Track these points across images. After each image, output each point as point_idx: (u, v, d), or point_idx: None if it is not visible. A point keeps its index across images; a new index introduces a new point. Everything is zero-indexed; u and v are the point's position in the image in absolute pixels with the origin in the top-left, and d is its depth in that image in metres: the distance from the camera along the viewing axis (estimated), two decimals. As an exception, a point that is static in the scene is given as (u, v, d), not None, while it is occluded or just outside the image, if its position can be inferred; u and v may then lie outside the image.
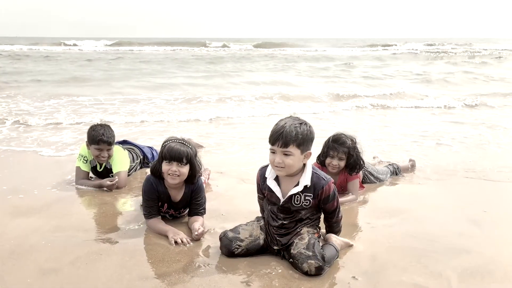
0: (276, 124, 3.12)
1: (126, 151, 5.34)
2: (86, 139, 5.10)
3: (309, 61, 30.40)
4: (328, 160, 4.65)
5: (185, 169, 3.73)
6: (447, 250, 3.48)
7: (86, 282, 2.96)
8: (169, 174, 3.70)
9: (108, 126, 5.11)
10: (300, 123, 3.09)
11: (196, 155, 3.83)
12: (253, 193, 3.62)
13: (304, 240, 3.21)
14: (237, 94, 13.17)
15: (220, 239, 3.38)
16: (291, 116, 3.23)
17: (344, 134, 4.71)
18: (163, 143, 3.81)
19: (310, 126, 3.14)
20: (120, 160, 5.12)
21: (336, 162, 4.61)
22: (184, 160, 3.70)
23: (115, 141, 5.20)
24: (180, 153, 3.67)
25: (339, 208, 3.42)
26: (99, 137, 4.91)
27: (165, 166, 3.70)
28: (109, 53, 38.11)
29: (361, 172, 4.88)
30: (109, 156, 5.07)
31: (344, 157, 4.60)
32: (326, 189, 3.22)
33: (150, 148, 5.99)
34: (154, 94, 13.22)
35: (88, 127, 5.16)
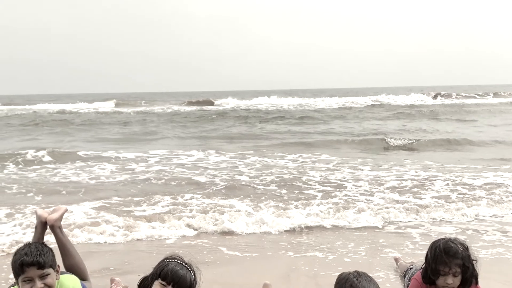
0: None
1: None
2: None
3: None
4: (441, 281, 3.49)
5: None
6: None
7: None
8: None
9: (38, 244, 3.37)
10: None
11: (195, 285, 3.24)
12: None
13: None
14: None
15: None
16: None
17: (452, 241, 3.56)
18: (165, 259, 3.23)
19: None
20: None
21: (451, 280, 3.46)
22: None
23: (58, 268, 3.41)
24: (184, 281, 3.08)
25: None
26: (21, 259, 3.15)
27: (158, 287, 3.08)
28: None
29: None
30: None
31: (459, 271, 3.47)
32: None
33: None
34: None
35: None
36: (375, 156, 14.66)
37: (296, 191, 9.39)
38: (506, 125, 24.07)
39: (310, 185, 9.91)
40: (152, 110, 42.26)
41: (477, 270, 3.54)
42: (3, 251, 6.04)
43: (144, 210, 8.02)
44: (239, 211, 7.86)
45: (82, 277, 3.98)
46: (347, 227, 7.24)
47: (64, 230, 4.35)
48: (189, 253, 5.73)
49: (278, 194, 9.21)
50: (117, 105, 51.56)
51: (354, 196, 8.91)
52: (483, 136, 19.25)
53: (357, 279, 2.89)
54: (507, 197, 8.62)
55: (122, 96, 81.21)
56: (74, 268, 4.05)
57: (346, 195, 8.95)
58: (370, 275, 3.00)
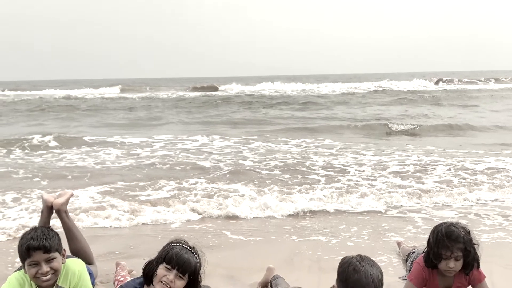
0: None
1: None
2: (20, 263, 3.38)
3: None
4: (443, 265, 3.57)
5: (180, 283, 3.16)
6: None
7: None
8: (161, 282, 3.13)
9: (45, 228, 3.42)
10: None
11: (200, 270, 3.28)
12: None
13: None
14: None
15: None
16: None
17: (454, 225, 3.62)
18: (169, 243, 3.27)
19: None
20: (83, 279, 3.50)
21: (453, 264, 3.54)
22: (187, 275, 3.16)
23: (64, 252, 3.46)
24: (189, 265, 3.14)
25: None
26: (27, 243, 3.21)
27: (162, 271, 3.13)
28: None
29: None
30: (55, 272, 3.31)
31: (461, 255, 3.53)
32: None
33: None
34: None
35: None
36: (378, 141, 14.69)
37: (300, 176, 9.44)
38: (508, 111, 24.04)
39: (314, 170, 9.95)
40: (157, 95, 42.30)
41: (478, 254, 3.59)
42: (9, 235, 6.12)
43: (149, 195, 8.09)
44: (243, 195, 7.92)
45: (88, 261, 4.04)
46: (350, 211, 7.29)
47: (70, 214, 4.41)
48: (193, 237, 5.79)
49: (282, 178, 9.26)
50: (122, 90, 51.60)
51: (357, 180, 8.95)
52: (484, 122, 19.24)
53: (360, 263, 2.93)
54: (508, 182, 8.65)
55: (127, 82, 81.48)
56: (80, 252, 4.12)
57: (349, 180, 8.99)
58: (373, 259, 3.04)
